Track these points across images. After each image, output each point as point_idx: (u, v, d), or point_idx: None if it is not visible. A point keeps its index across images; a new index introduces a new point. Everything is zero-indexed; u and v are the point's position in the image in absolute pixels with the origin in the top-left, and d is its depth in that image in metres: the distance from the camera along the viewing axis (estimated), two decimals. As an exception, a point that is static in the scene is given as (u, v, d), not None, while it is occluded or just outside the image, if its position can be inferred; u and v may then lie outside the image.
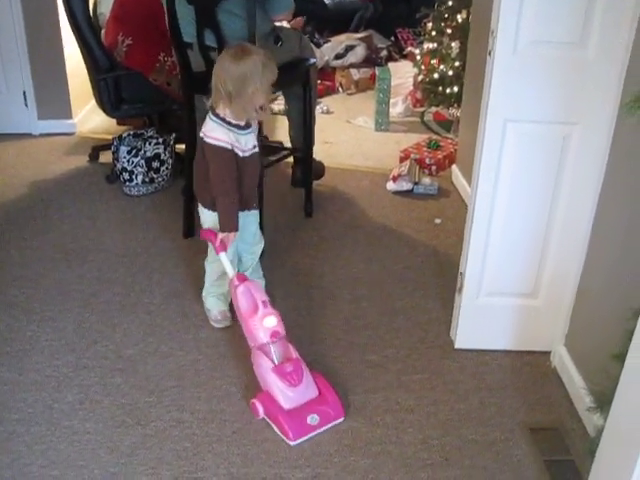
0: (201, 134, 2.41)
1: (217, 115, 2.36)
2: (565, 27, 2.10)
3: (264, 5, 2.88)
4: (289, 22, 3.79)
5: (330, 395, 2.25)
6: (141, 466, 2.07)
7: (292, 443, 2.15)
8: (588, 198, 2.27)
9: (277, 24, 3.19)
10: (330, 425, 2.21)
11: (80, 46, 3.72)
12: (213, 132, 2.36)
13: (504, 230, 2.39)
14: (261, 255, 2.75)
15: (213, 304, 2.69)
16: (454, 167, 3.97)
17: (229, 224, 2.41)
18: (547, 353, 2.55)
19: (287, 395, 2.19)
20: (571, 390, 2.37)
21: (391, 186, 3.79)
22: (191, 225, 3.27)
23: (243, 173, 2.43)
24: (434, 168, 4.00)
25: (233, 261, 2.57)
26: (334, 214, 3.58)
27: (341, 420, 2.24)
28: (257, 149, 2.48)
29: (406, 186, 3.76)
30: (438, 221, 3.52)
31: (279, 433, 2.18)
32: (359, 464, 2.09)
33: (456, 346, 2.59)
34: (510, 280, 2.48)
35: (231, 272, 2.41)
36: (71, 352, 2.55)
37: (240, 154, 2.40)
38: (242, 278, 2.38)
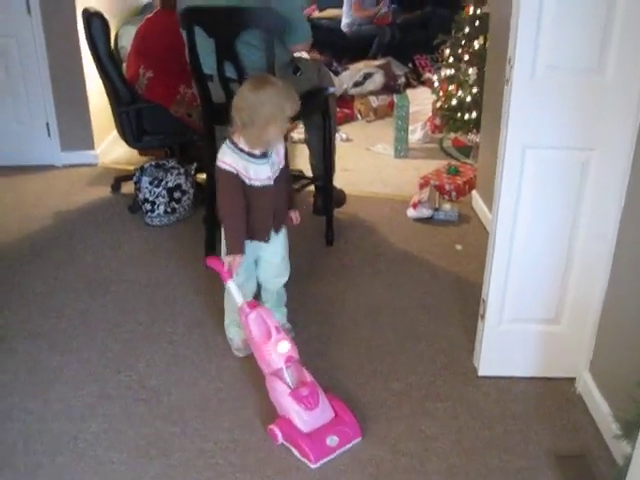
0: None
1: (232, 142, 2.40)
2: (582, 53, 2.11)
3: (282, 37, 2.92)
4: (308, 53, 3.84)
5: (346, 415, 2.28)
6: (166, 497, 2.08)
7: (313, 466, 2.16)
8: (609, 223, 2.26)
9: (296, 54, 3.23)
10: (349, 445, 2.23)
11: (102, 79, 3.79)
12: (223, 156, 2.40)
13: (525, 256, 2.39)
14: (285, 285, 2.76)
15: (235, 333, 2.69)
16: (474, 192, 3.98)
17: (234, 247, 2.42)
18: (571, 379, 2.52)
19: (305, 419, 2.21)
20: (597, 417, 2.34)
21: (411, 213, 3.80)
22: (212, 253, 3.28)
23: (251, 202, 2.44)
24: (454, 194, 4.01)
25: (246, 286, 2.58)
26: (355, 242, 3.59)
27: (359, 439, 2.25)
28: (272, 182, 2.45)
29: (426, 213, 3.77)
30: (459, 247, 3.52)
31: (300, 457, 2.18)
32: (385, 494, 2.08)
33: (479, 373, 2.58)
34: (532, 306, 2.47)
35: (240, 300, 2.41)
36: (95, 382, 2.57)
37: (247, 182, 2.40)
38: (253, 305, 2.39)
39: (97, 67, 3.75)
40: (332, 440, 2.20)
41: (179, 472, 2.16)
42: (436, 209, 3.79)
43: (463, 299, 3.07)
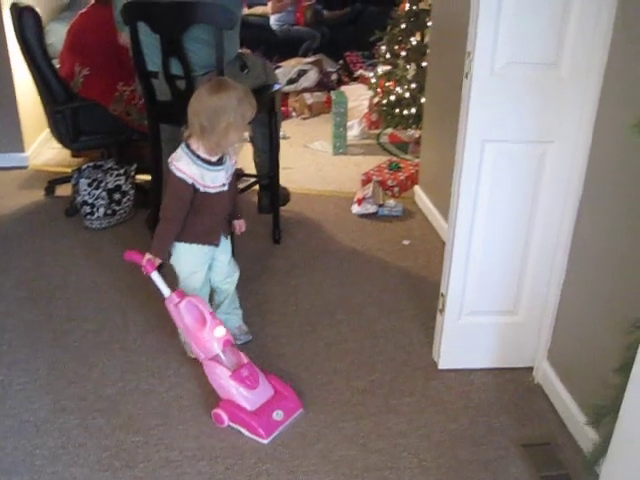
0: (169, 159, 2.37)
1: (188, 147, 2.32)
2: (539, 48, 2.15)
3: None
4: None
5: (286, 390, 2.36)
6: (135, 510, 2.01)
7: (265, 441, 2.23)
8: (566, 214, 2.31)
9: (240, 51, 3.17)
10: (293, 417, 2.32)
11: (34, 77, 3.62)
12: (178, 162, 2.32)
13: (483, 249, 2.41)
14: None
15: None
16: (417, 188, 4.01)
17: (160, 250, 2.41)
18: (529, 369, 2.57)
19: (249, 398, 2.28)
20: (557, 404, 2.39)
21: (356, 209, 3.80)
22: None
23: (204, 208, 2.39)
24: (397, 190, 4.03)
25: (203, 291, 2.56)
26: (302, 240, 3.56)
27: (301, 411, 2.35)
28: (226, 187, 2.41)
29: (371, 209, 3.78)
30: (406, 242, 3.54)
31: (250, 435, 2.24)
32: (358, 493, 2.06)
33: (440, 367, 2.59)
34: (491, 298, 2.50)
35: (166, 291, 2.41)
36: (47, 394, 2.45)
37: (201, 189, 2.35)
38: (181, 294, 2.40)
39: (29, 65, 3.58)
40: (278, 414, 2.28)
41: (146, 484, 2.09)
42: (381, 205, 3.80)
43: (416, 294, 3.08)
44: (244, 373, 2.30)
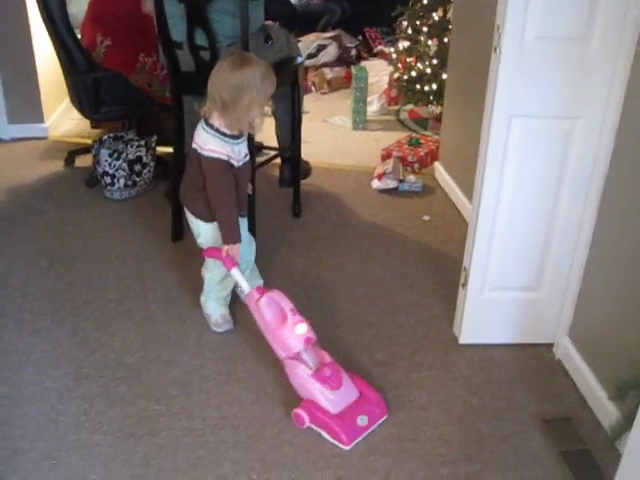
0: (194, 145, 2.36)
1: (211, 126, 2.31)
2: (569, 22, 2.11)
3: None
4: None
5: (371, 394, 2.23)
6: (158, 477, 2.02)
7: (347, 447, 2.11)
8: (592, 190, 2.29)
9: (264, 23, 3.14)
10: (377, 424, 2.19)
11: (56, 47, 3.60)
12: (209, 144, 2.30)
13: (508, 224, 2.40)
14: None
15: (213, 308, 2.64)
16: (437, 164, 3.98)
17: (233, 236, 2.38)
18: (550, 345, 2.56)
19: (332, 399, 2.16)
20: (578, 380, 2.39)
21: (376, 184, 3.79)
22: (179, 229, 3.20)
23: (237, 182, 2.40)
24: (417, 165, 4.01)
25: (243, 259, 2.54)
26: (322, 214, 3.55)
27: (385, 417, 2.22)
28: (248, 157, 2.44)
29: (391, 184, 3.76)
30: (426, 218, 3.53)
31: (330, 439, 2.13)
32: (379, 463, 2.07)
33: (460, 341, 2.59)
34: (514, 274, 2.49)
35: (247, 287, 2.35)
36: (69, 362, 2.47)
37: (235, 164, 2.35)
38: (262, 290, 2.32)
39: (50, 35, 3.57)
40: (362, 420, 2.15)
41: (169, 452, 2.10)
42: (401, 180, 3.78)
43: (436, 269, 3.08)
44: (326, 372, 2.17)
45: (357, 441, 2.13)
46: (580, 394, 2.35)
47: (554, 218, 2.40)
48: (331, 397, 2.16)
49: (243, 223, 2.56)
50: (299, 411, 2.18)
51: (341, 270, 3.06)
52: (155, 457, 2.08)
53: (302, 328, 2.20)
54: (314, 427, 2.17)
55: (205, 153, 2.31)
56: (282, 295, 2.29)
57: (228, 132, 2.31)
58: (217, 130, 2.30)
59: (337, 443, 2.12)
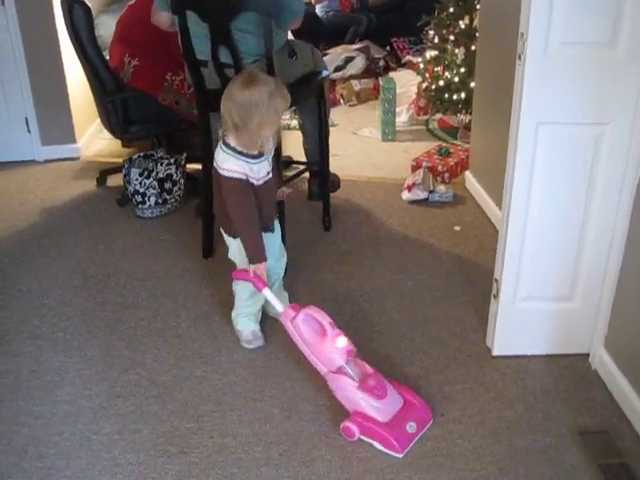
0: (215, 164, 2.36)
1: (228, 145, 2.31)
2: (595, 27, 2.08)
3: (278, 18, 2.82)
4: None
5: (415, 399, 2.24)
6: (190, 495, 2.03)
7: (400, 455, 2.11)
8: (623, 196, 2.25)
9: (289, 38, 3.15)
10: (425, 429, 2.21)
11: (85, 69, 3.68)
12: (225, 163, 2.30)
13: (538, 234, 2.36)
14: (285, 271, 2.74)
15: (244, 325, 2.64)
16: (467, 173, 3.95)
17: (257, 255, 2.37)
18: (585, 355, 2.52)
19: (380, 409, 2.16)
20: (615, 392, 2.33)
21: (406, 195, 3.77)
22: (210, 245, 3.22)
23: (260, 200, 2.39)
24: (447, 175, 3.98)
25: (272, 278, 2.56)
26: (352, 227, 3.55)
27: (431, 422, 2.23)
28: (271, 175, 2.42)
29: (422, 195, 3.74)
30: (458, 228, 3.50)
31: (382, 448, 2.13)
32: (413, 479, 2.05)
33: (494, 353, 2.56)
34: (546, 284, 2.45)
35: (280, 306, 2.35)
36: (103, 381, 2.50)
37: (255, 183, 2.35)
38: (297, 308, 2.31)
39: (80, 57, 3.64)
40: (411, 427, 2.16)
41: (201, 469, 2.10)
42: (431, 191, 3.76)
43: (468, 280, 3.05)
44: (371, 383, 2.18)
45: (409, 448, 2.14)
46: (617, 406, 2.30)
47: (586, 226, 2.36)
48: (379, 406, 2.16)
49: (273, 238, 2.56)
50: (348, 424, 2.17)
51: (372, 283, 3.05)
52: (187, 475, 2.09)
53: (342, 341, 2.20)
54: (364, 438, 2.16)
55: (223, 173, 2.31)
56: (318, 310, 2.28)
57: (245, 151, 2.31)
58: (234, 149, 2.30)
59: (390, 452, 2.12)
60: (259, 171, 2.36)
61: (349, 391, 2.19)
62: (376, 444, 2.14)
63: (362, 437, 2.17)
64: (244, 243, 2.39)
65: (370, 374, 2.23)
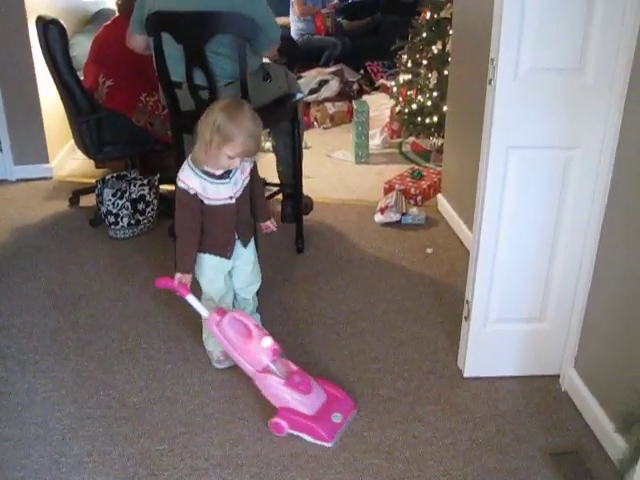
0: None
1: (194, 161, 2.33)
2: (563, 53, 2.12)
3: (253, 42, 2.85)
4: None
5: (337, 392, 2.39)
6: (160, 518, 2.00)
7: (329, 444, 2.24)
8: (592, 221, 2.29)
9: (263, 60, 3.18)
10: (350, 418, 2.35)
11: (60, 89, 3.67)
12: (182, 174, 2.34)
13: (509, 256, 2.39)
14: (257, 292, 2.74)
15: (214, 345, 2.62)
16: (439, 196, 3.99)
17: (183, 266, 2.42)
18: (556, 377, 2.54)
19: (306, 403, 2.29)
20: (585, 412, 2.35)
21: (379, 218, 3.79)
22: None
23: (213, 221, 2.40)
24: (420, 198, 4.02)
25: (227, 298, 2.58)
26: (325, 249, 3.56)
27: (355, 412, 2.38)
28: (233, 200, 2.40)
29: (394, 217, 3.77)
30: (430, 250, 3.52)
31: (312, 440, 2.24)
32: (385, 502, 2.05)
33: (465, 375, 2.57)
34: (517, 305, 2.48)
35: (205, 312, 2.42)
36: (73, 403, 2.46)
37: (206, 202, 2.36)
38: (222, 311, 2.40)
39: (54, 77, 3.63)
40: (336, 417, 2.29)
41: (172, 492, 2.09)
42: (404, 213, 3.79)
43: (440, 302, 3.07)
44: (296, 379, 2.31)
45: (337, 437, 2.26)
46: (587, 426, 2.32)
47: (555, 248, 2.39)
48: (305, 401, 2.29)
49: (247, 257, 2.57)
50: (277, 420, 2.28)
51: (345, 305, 3.06)
52: (158, 498, 2.07)
53: (267, 341, 2.32)
54: (294, 432, 2.27)
55: (177, 181, 2.35)
56: (243, 312, 2.44)
57: (208, 169, 2.32)
58: (196, 165, 2.32)
59: (320, 442, 2.24)
60: (217, 192, 2.36)
61: (276, 388, 2.31)
62: (305, 436, 2.26)
63: (291, 431, 2.27)
64: (176, 250, 2.44)
65: (295, 371, 2.36)
